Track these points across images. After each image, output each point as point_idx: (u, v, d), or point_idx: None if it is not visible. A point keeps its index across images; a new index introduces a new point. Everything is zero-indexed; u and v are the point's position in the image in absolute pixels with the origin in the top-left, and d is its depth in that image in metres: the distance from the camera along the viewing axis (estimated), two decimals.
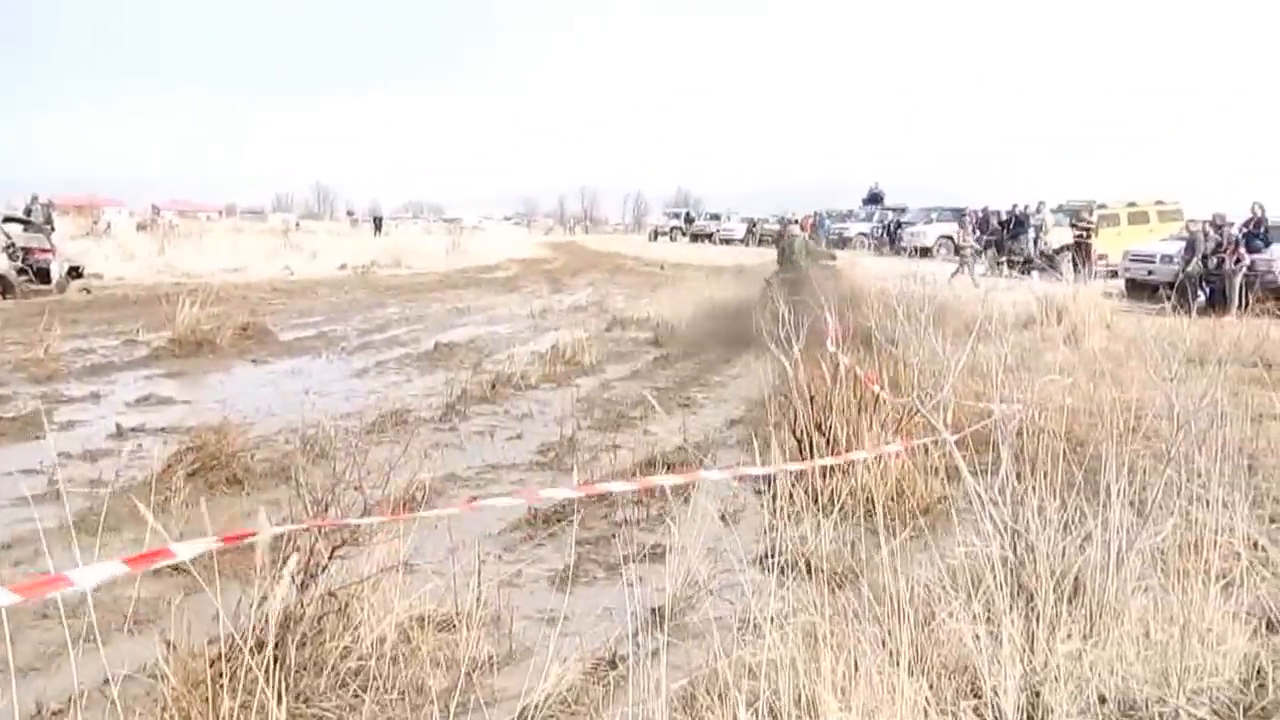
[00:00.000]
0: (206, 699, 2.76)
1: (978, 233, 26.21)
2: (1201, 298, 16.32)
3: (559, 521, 5.02)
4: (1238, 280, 16.29)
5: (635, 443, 6.62)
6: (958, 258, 24.71)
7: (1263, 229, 17.66)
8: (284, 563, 2.97)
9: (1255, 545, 3.94)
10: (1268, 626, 3.38)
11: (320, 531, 3.28)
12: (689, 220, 54.06)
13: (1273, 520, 4.61)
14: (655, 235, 54.32)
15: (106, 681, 3.01)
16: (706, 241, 47.94)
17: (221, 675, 2.82)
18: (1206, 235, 17.30)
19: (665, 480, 4.19)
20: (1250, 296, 15.04)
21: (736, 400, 8.67)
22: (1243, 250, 16.82)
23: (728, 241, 46.81)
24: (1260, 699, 2.97)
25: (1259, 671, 3.07)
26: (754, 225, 47.45)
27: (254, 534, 2.68)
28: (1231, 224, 17.49)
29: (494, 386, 8.70)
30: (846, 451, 5.25)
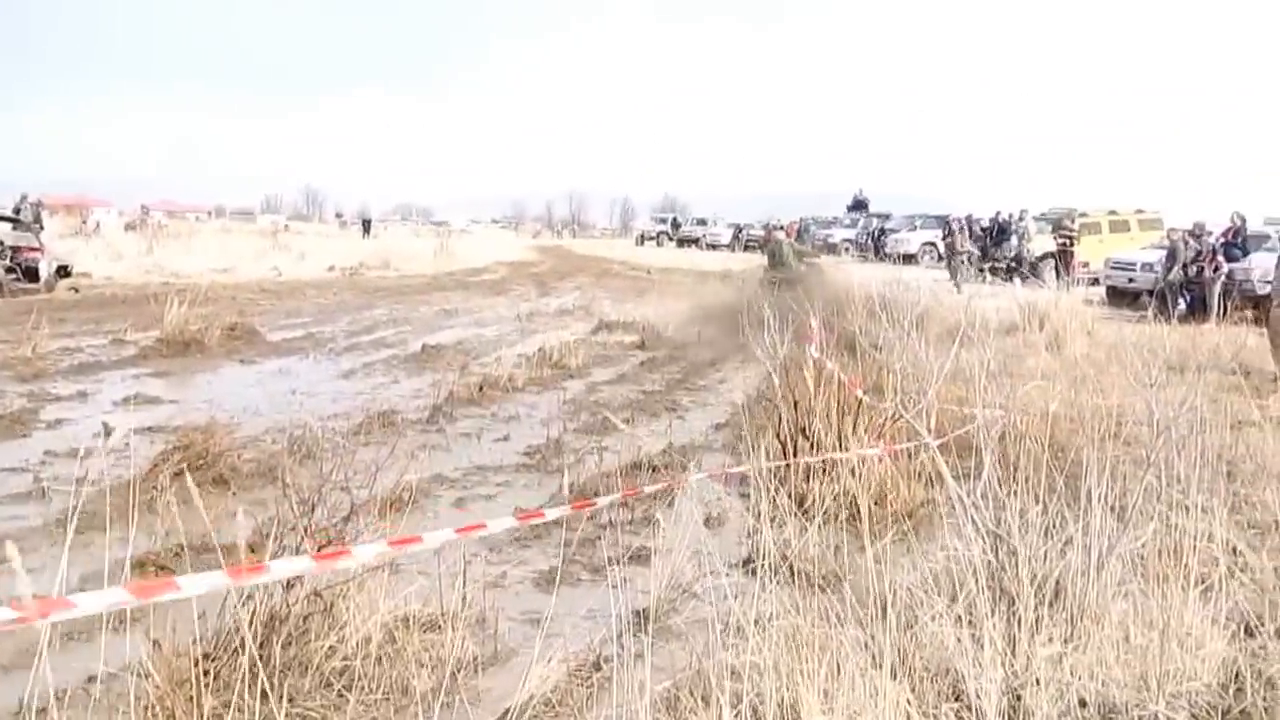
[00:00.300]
0: (191, 698, 2.76)
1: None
2: (1181, 305, 16.46)
3: (544, 523, 5.02)
4: (1217, 288, 16.43)
5: (621, 445, 6.64)
6: (951, 262, 24.78)
7: (1241, 238, 17.85)
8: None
9: (1234, 550, 3.98)
10: (1246, 631, 3.41)
11: (305, 530, 3.29)
12: (675, 225, 54.17)
13: (1251, 526, 4.65)
14: (642, 240, 54.37)
15: (91, 679, 3.01)
16: (693, 247, 48.02)
17: (206, 674, 2.83)
18: (1186, 244, 17.46)
19: (652, 487, 4.20)
20: (1229, 304, 15.18)
21: (722, 405, 8.69)
22: (1221, 259, 16.99)
23: (714, 247, 46.90)
24: (1238, 703, 3.00)
25: (1237, 675, 3.10)
26: (740, 231, 47.60)
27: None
28: (1211, 233, 17.66)
29: (481, 389, 8.70)
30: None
